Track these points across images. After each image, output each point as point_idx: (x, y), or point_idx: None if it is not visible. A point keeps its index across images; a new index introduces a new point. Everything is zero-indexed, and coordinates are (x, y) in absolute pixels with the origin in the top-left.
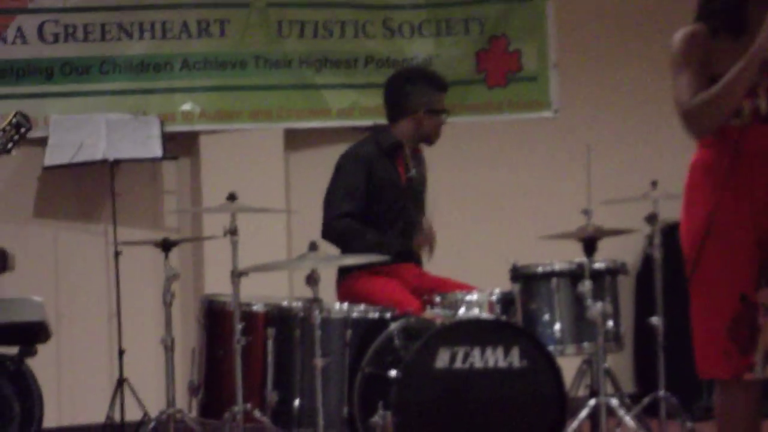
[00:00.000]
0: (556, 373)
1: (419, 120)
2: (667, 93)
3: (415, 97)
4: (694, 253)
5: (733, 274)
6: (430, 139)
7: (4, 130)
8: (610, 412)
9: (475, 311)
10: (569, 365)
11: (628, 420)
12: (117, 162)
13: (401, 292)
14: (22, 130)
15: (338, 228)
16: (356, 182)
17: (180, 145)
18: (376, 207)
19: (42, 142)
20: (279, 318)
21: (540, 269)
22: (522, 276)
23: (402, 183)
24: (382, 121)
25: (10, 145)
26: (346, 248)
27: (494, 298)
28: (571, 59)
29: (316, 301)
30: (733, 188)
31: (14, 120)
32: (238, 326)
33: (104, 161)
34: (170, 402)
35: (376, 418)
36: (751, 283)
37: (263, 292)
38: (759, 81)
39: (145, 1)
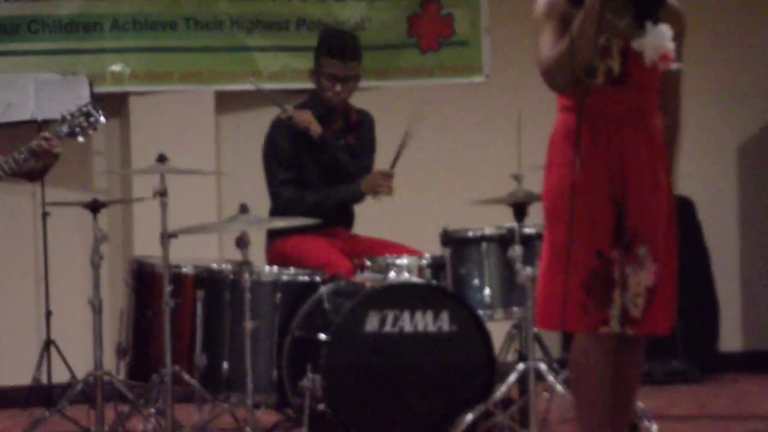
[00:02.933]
0: (485, 337)
1: (316, 84)
2: None
3: (316, 63)
4: (556, 212)
5: (590, 232)
6: (327, 104)
7: (72, 115)
8: (539, 376)
9: (406, 275)
10: (498, 330)
11: (557, 384)
12: (46, 122)
13: (331, 252)
14: (92, 119)
15: (280, 197)
16: (285, 149)
17: (109, 106)
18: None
19: None
20: (208, 280)
21: (470, 234)
22: (452, 240)
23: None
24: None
25: (77, 129)
26: (295, 214)
27: (424, 262)
28: (503, 24)
29: (245, 263)
30: (588, 149)
31: (85, 108)
32: (167, 288)
33: (33, 121)
34: (98, 364)
35: (305, 381)
36: (607, 240)
37: (193, 254)
38: (610, 41)
39: None
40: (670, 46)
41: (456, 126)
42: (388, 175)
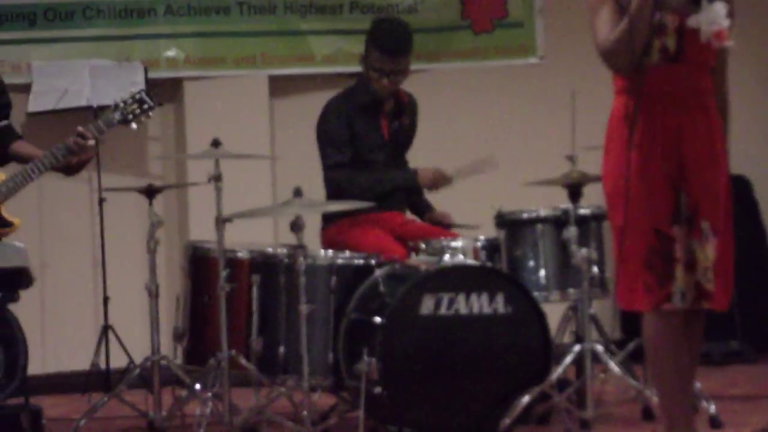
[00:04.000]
0: (541, 319)
1: (364, 73)
2: None
3: (366, 53)
4: (617, 193)
5: (649, 212)
6: (374, 94)
7: (125, 102)
8: (595, 358)
9: (460, 257)
10: (554, 311)
11: (613, 366)
12: (101, 108)
13: (385, 239)
14: (145, 106)
15: (334, 180)
16: (339, 132)
17: (164, 92)
18: (356, 162)
19: (26, 88)
20: (264, 265)
21: (525, 215)
22: (507, 222)
23: (384, 137)
24: None
25: (130, 117)
26: (350, 198)
27: (479, 244)
28: (556, 5)
29: (300, 247)
30: (645, 129)
31: (138, 95)
32: (223, 273)
33: (88, 107)
34: (155, 349)
35: (361, 365)
36: (666, 219)
37: (248, 238)
38: (665, 18)
39: None
40: (726, 23)
41: (510, 107)
42: (447, 180)
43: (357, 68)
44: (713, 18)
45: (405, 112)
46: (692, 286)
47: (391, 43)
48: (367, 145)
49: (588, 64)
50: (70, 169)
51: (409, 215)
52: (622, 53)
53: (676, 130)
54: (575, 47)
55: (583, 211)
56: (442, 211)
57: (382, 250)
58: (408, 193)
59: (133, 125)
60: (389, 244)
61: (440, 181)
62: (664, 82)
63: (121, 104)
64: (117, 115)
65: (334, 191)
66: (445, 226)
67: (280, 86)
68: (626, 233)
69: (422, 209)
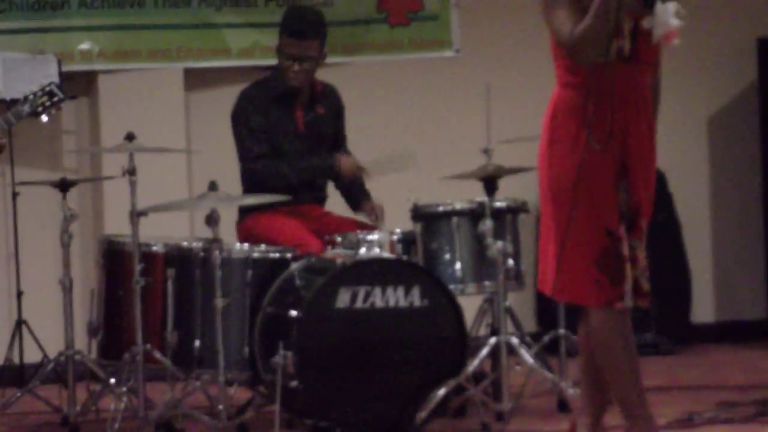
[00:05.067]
0: (456, 312)
1: (279, 62)
2: None
3: (278, 41)
4: (563, 190)
5: (600, 211)
6: (287, 83)
7: (35, 94)
8: (511, 350)
9: (376, 251)
10: (470, 304)
11: (528, 358)
12: (14, 101)
13: (301, 231)
14: (55, 99)
15: (255, 171)
16: (257, 123)
17: (78, 85)
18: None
19: None
20: (179, 258)
21: (441, 208)
22: (423, 215)
23: (298, 128)
24: None
25: (40, 109)
26: (272, 188)
27: (395, 237)
28: None
29: (216, 241)
30: (596, 126)
31: (48, 88)
32: (138, 267)
33: (1, 101)
34: (69, 343)
35: (277, 358)
36: (615, 217)
37: (163, 232)
38: (622, 21)
39: None
40: (677, 23)
41: (426, 100)
42: (363, 170)
43: (273, 61)
44: (667, 19)
45: (320, 101)
46: (632, 285)
47: (297, 25)
48: (282, 137)
49: (503, 58)
50: None
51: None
52: (592, 44)
53: (623, 127)
54: (491, 41)
55: (498, 204)
56: (376, 204)
57: (298, 243)
58: (344, 183)
59: (43, 117)
60: (305, 237)
61: (357, 170)
62: (616, 81)
63: (31, 96)
64: (26, 108)
65: (254, 183)
66: (371, 221)
67: (195, 79)
68: (572, 230)
69: (358, 198)
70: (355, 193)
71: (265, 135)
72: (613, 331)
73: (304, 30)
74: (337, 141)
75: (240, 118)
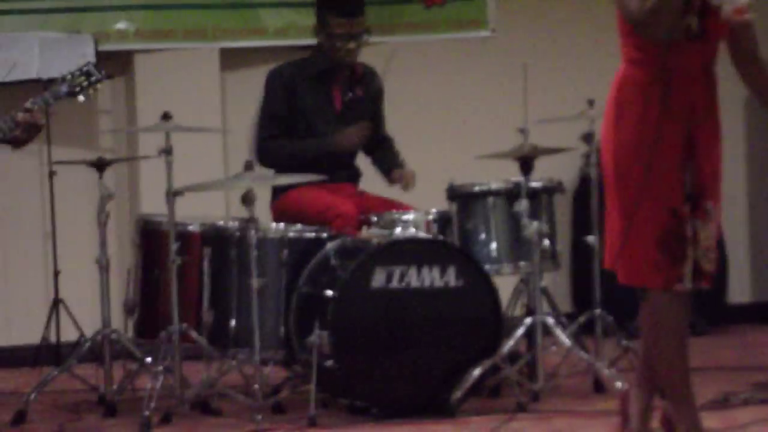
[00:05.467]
0: (492, 292)
1: (324, 43)
2: (602, 12)
3: (322, 22)
4: (630, 169)
5: (664, 189)
6: (339, 62)
7: (72, 74)
8: (546, 330)
9: (412, 231)
10: (506, 284)
11: (564, 338)
12: (50, 81)
13: (335, 198)
14: (92, 79)
15: (267, 152)
16: (276, 106)
17: (115, 65)
18: (304, 134)
19: None
20: (215, 238)
21: (476, 188)
22: (459, 195)
23: (336, 108)
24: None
25: (78, 89)
26: (283, 167)
27: (431, 217)
28: None
29: (251, 220)
30: (665, 105)
31: (85, 68)
32: (174, 246)
33: (38, 80)
34: (106, 322)
35: (313, 338)
36: (680, 197)
37: (199, 212)
38: None
39: None
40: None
41: (462, 81)
42: (362, 126)
43: (309, 41)
44: None
45: (360, 82)
46: (692, 266)
47: (346, 3)
48: (318, 116)
49: (539, 38)
50: (17, 142)
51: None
52: (660, 23)
53: (690, 107)
54: (527, 21)
55: (534, 185)
56: (406, 171)
57: (331, 206)
58: (374, 156)
59: (81, 98)
60: (338, 201)
61: (354, 132)
62: (685, 59)
63: (69, 77)
64: (64, 88)
65: (271, 163)
66: (401, 187)
67: (231, 59)
68: (638, 209)
69: (390, 166)
70: (388, 161)
71: (284, 117)
72: (668, 313)
73: (353, 7)
74: (377, 124)
75: (262, 99)
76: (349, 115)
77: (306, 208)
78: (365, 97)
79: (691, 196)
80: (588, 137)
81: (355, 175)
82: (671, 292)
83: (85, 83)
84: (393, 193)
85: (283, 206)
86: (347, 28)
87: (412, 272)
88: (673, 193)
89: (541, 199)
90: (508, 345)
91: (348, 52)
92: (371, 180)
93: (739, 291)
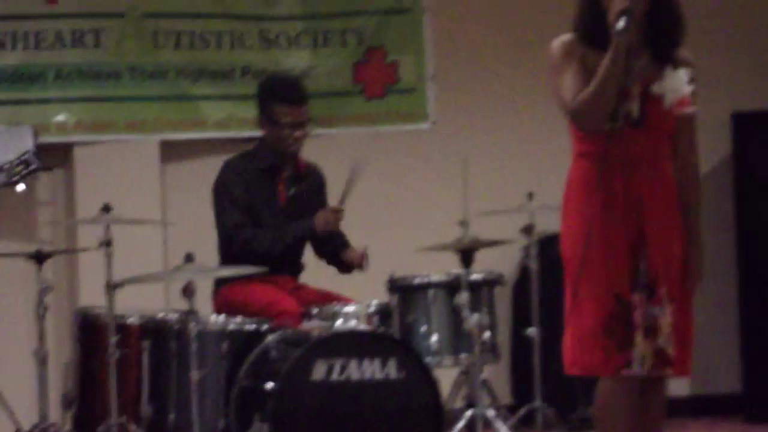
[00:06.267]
0: (432, 384)
1: (270, 132)
2: (542, 106)
3: (266, 113)
4: (575, 257)
5: (609, 276)
6: (285, 152)
7: (11, 164)
8: (487, 423)
9: (352, 323)
10: (447, 376)
11: (505, 431)
12: None
13: (276, 292)
14: (31, 167)
15: (237, 239)
16: (240, 193)
17: (54, 156)
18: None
19: None
20: (154, 330)
21: (417, 281)
22: (399, 287)
23: (280, 203)
24: (259, 132)
25: (16, 178)
26: (252, 257)
27: (372, 309)
28: (448, 71)
29: (191, 313)
30: (607, 194)
31: (24, 157)
32: (113, 339)
33: None
34: (43, 416)
35: (253, 431)
36: (626, 284)
37: (139, 304)
38: (631, 84)
39: (18, 11)
40: (688, 90)
41: (402, 173)
42: (337, 211)
43: (249, 133)
44: (677, 85)
45: (303, 178)
46: (652, 353)
47: (292, 92)
48: (263, 210)
49: (479, 130)
50: None
51: (301, 279)
52: (592, 114)
53: (637, 193)
54: (467, 113)
55: (475, 277)
56: (358, 250)
57: (273, 302)
58: (324, 241)
59: (19, 187)
60: (280, 297)
61: (329, 215)
62: (626, 147)
63: (7, 165)
64: (2, 177)
65: (234, 252)
66: (358, 266)
67: (171, 151)
68: (583, 298)
69: (337, 249)
70: (337, 247)
71: (246, 206)
72: (616, 400)
73: (298, 96)
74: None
75: (222, 189)
76: (292, 210)
77: (248, 302)
78: (308, 192)
79: (646, 284)
80: (528, 230)
81: (297, 269)
82: (620, 378)
83: (24, 171)
84: (333, 285)
85: (225, 298)
86: (293, 117)
87: (353, 365)
88: (619, 280)
89: (482, 291)
90: None
91: (294, 141)
92: (312, 268)
93: (678, 384)
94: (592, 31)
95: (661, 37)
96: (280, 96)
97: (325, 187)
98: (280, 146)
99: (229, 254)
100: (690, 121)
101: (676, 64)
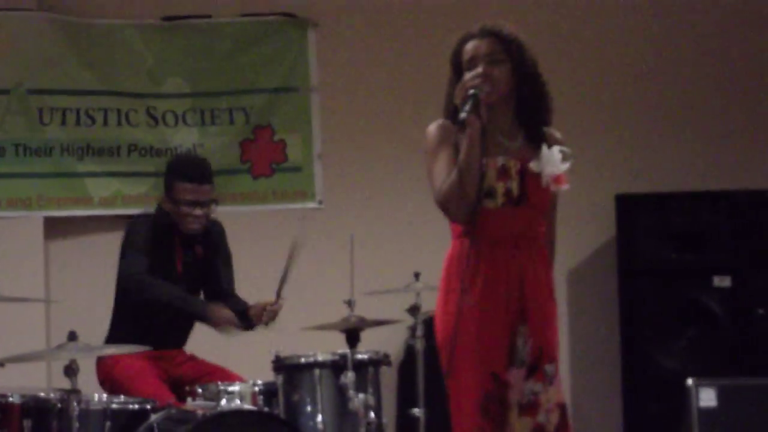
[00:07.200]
0: None
1: (171, 209)
2: (429, 186)
3: (165, 185)
4: (449, 339)
5: (485, 355)
6: (184, 229)
7: None
8: None
9: (237, 402)
10: None
11: None
12: None
13: (158, 385)
14: None
15: (141, 281)
16: (145, 242)
17: None
18: None
19: None
20: (36, 409)
21: (303, 360)
22: (285, 366)
23: (177, 269)
24: (145, 209)
25: None
26: (151, 300)
27: (257, 389)
28: (335, 150)
29: (74, 392)
30: (485, 273)
31: None
32: None
33: None
34: None
35: None
36: (503, 362)
37: (20, 383)
38: (509, 163)
39: None
40: (564, 168)
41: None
42: (272, 306)
43: (135, 210)
44: (553, 163)
45: (199, 242)
46: (531, 430)
47: (195, 170)
48: (161, 274)
49: (366, 209)
50: None
51: (188, 351)
52: (455, 202)
53: (518, 271)
54: (354, 192)
55: (360, 356)
56: (259, 303)
57: (155, 396)
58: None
59: None
60: (160, 391)
61: (266, 315)
62: (506, 224)
63: None
64: None
65: (133, 297)
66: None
67: (56, 228)
68: (461, 378)
69: (241, 311)
70: (238, 306)
71: (150, 254)
72: None
73: (200, 174)
74: (217, 281)
75: (131, 237)
76: (189, 277)
77: (131, 385)
78: (204, 256)
79: (526, 361)
80: (414, 309)
81: (182, 341)
82: None
83: None
84: (219, 360)
85: (108, 371)
86: (193, 195)
87: None
88: (496, 358)
89: (368, 371)
90: None
91: (194, 219)
92: (196, 344)
93: None
94: (456, 114)
95: (530, 118)
96: (182, 174)
97: (224, 237)
98: (179, 223)
99: (125, 304)
100: (556, 198)
101: (550, 142)
